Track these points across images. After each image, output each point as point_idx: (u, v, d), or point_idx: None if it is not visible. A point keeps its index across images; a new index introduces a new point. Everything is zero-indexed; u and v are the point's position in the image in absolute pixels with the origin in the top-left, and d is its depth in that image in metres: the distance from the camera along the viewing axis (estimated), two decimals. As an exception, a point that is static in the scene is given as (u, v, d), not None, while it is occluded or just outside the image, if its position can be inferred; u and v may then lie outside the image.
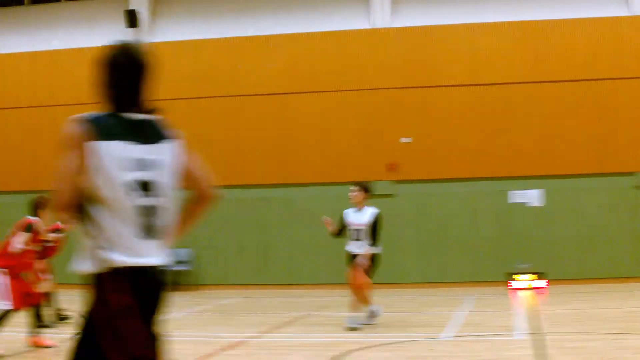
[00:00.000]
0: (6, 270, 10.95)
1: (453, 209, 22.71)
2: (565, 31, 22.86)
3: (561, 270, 21.85)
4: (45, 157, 24.58)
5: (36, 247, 11.53)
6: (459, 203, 22.72)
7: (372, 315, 13.38)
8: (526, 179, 22.51)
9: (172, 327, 12.73)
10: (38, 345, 11.17)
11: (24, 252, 11.15)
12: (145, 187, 4.20)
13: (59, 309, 14.72)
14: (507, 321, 13.87)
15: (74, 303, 18.17)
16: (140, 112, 4.37)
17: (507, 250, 22.24)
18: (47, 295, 14.69)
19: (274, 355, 10.57)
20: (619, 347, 10.44)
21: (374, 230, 13.08)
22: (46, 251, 14.55)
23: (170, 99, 23.77)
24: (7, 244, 11.24)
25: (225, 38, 24.12)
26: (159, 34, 24.72)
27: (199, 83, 24.00)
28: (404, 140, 22.99)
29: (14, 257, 11.08)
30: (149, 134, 4.44)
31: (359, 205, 13.17)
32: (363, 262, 13.04)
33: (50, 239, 12.53)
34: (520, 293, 20.07)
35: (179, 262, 23.13)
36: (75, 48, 24.99)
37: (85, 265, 4.05)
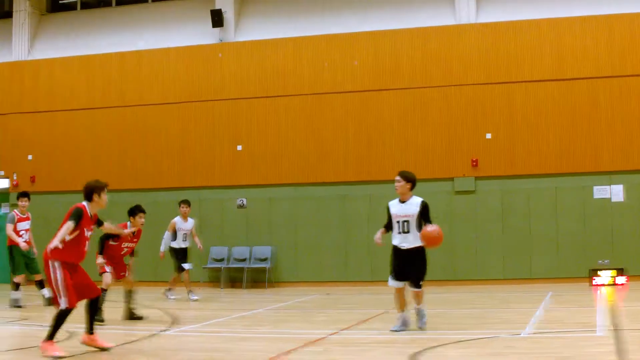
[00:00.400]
0: (55, 264, 10.35)
1: (536, 205, 22.47)
2: (651, 24, 22.47)
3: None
4: (133, 156, 25.03)
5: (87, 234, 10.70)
6: (542, 199, 22.46)
7: (421, 315, 12.65)
8: (610, 174, 22.15)
9: (252, 324, 12.90)
10: (92, 345, 10.75)
11: (73, 239, 10.48)
12: None
13: (132, 308, 14.83)
14: (588, 318, 13.68)
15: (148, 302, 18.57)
16: None
17: (590, 246, 21.93)
18: (129, 293, 14.94)
19: (353, 353, 10.59)
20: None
21: (421, 221, 12.40)
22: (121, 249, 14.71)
23: (255, 97, 24.08)
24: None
25: (310, 36, 24.22)
26: (244, 33, 24.91)
27: (284, 81, 24.13)
28: (488, 136, 22.84)
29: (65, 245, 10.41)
30: None
31: (403, 197, 12.62)
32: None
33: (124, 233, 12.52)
34: (601, 289, 19.80)
35: (260, 260, 23.33)
36: (162, 48, 25.40)
37: None
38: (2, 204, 26.34)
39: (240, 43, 24.73)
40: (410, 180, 12.60)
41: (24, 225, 18.01)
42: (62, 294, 10.31)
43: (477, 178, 22.77)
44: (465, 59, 23.20)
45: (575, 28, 22.75)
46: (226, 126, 24.41)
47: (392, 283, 12.65)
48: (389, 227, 12.74)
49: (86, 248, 10.69)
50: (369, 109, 23.49)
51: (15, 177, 25.98)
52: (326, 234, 23.23)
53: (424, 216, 12.39)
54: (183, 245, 19.43)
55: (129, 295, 14.84)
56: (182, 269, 19.22)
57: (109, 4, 27.12)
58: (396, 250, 12.60)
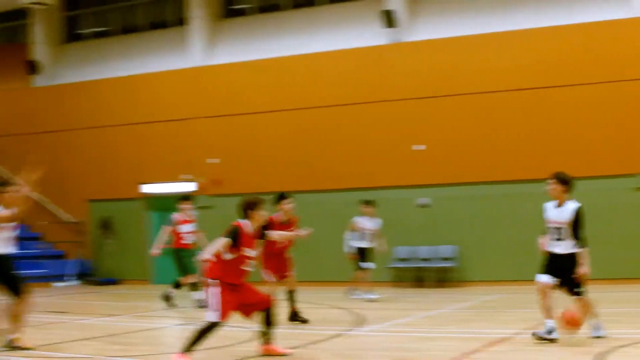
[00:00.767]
0: (217, 281, 10.17)
1: None
2: None
3: None
4: (312, 158, 25.42)
5: (247, 252, 10.42)
6: None
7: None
8: None
9: (438, 323, 13.00)
10: (271, 354, 10.66)
11: (234, 259, 10.29)
12: None
13: (296, 309, 14.80)
14: None
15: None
16: None
17: None
18: (291, 293, 14.89)
19: (539, 352, 10.55)
20: None
21: (575, 229, 11.28)
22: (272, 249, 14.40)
23: (430, 97, 24.10)
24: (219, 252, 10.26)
25: (480, 34, 23.97)
26: (416, 33, 24.95)
27: (455, 80, 24.00)
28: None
29: (224, 265, 10.24)
30: None
31: (558, 200, 11.44)
32: (583, 270, 11.31)
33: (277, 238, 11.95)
34: None
35: (445, 259, 23.36)
36: (335, 50, 25.71)
37: None
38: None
39: (412, 43, 24.77)
40: (565, 182, 11.44)
41: (187, 228, 18.42)
42: (214, 307, 10.07)
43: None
44: (631, 54, 22.42)
45: None
46: (401, 126, 24.51)
47: (540, 277, 11.56)
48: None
49: (248, 267, 10.43)
50: (537, 106, 23.01)
51: (200, 181, 26.82)
52: (511, 232, 22.97)
53: (577, 224, 11.31)
54: (365, 245, 19.46)
55: (291, 295, 14.80)
56: (362, 268, 19.30)
57: (282, 9, 27.65)
58: (551, 255, 11.65)
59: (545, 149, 22.87)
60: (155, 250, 18.35)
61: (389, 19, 24.66)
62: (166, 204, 25.57)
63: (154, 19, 29.78)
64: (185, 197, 18.94)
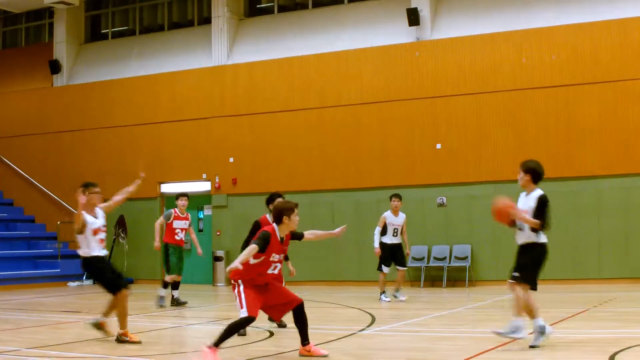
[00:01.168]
0: (239, 282, 10.18)
1: None
2: None
3: None
4: (333, 157, 25.43)
5: (274, 257, 10.37)
6: None
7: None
8: None
9: (451, 323, 12.97)
10: (311, 355, 10.58)
11: (260, 263, 10.26)
12: None
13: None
14: None
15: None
16: None
17: None
18: None
19: (553, 351, 10.48)
20: None
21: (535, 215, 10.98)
22: None
23: (454, 95, 24.05)
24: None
25: (507, 32, 23.90)
26: (441, 30, 24.90)
27: (482, 78, 23.95)
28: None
29: (250, 269, 10.19)
30: None
31: (526, 190, 11.30)
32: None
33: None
34: None
35: (460, 258, 23.31)
36: (359, 48, 25.70)
37: None
38: (205, 207, 27.38)
39: (437, 41, 24.71)
40: (529, 171, 11.22)
41: (180, 224, 18.58)
42: (242, 304, 10.07)
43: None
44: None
45: None
46: (425, 124, 24.47)
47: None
48: None
49: (274, 271, 10.41)
50: (569, 103, 22.95)
51: (217, 180, 26.93)
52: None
53: (536, 211, 11.01)
54: (394, 241, 19.00)
55: None
56: (381, 269, 19.02)
57: (305, 7, 27.69)
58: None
59: (565, 146, 22.82)
60: (157, 244, 18.44)
61: (414, 16, 24.62)
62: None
63: (176, 18, 29.89)
64: (182, 194, 19.02)
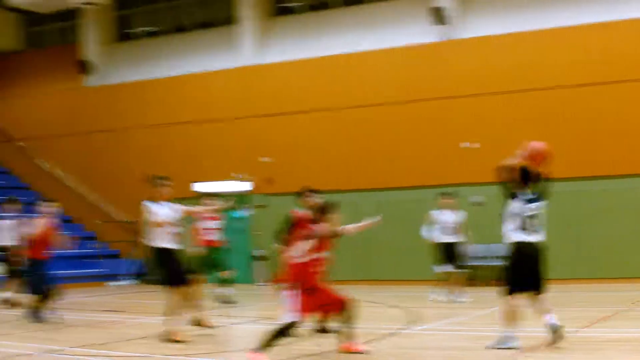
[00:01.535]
0: (292, 285, 10.28)
1: None
2: None
3: None
4: (362, 156, 25.48)
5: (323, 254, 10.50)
6: None
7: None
8: None
9: (491, 322, 12.98)
10: (349, 351, 10.70)
11: (310, 262, 10.35)
12: None
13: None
14: None
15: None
16: None
17: None
18: None
19: (588, 351, 10.54)
20: None
21: None
22: None
23: (480, 94, 24.02)
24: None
25: (533, 30, 23.86)
26: (465, 30, 24.89)
27: (507, 77, 23.91)
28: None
29: (301, 268, 10.34)
30: None
31: None
32: None
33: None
34: None
35: (499, 257, 23.22)
36: (384, 48, 25.73)
37: None
38: (242, 207, 27.47)
39: (462, 40, 24.71)
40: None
41: (211, 225, 18.59)
42: (292, 307, 10.15)
43: None
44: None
45: None
46: (453, 123, 24.46)
47: None
48: None
49: (323, 268, 10.48)
50: (589, 103, 22.81)
51: (251, 180, 27.00)
52: (565, 230, 22.79)
53: None
54: (444, 240, 18.62)
55: None
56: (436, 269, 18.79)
57: (333, 7, 27.73)
58: None
59: (592, 145, 22.77)
60: (192, 249, 18.24)
61: (439, 16, 24.66)
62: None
63: (204, 18, 30.07)
64: (210, 194, 18.87)
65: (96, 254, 27.21)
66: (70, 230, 28.27)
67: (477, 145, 23.84)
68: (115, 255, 28.08)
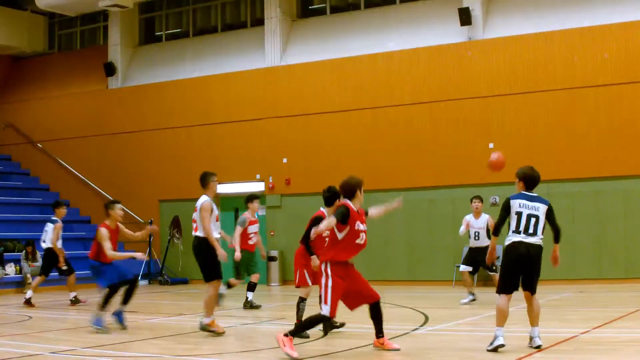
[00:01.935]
0: (327, 265, 10.53)
1: None
2: None
3: None
4: (386, 157, 25.43)
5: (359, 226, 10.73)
6: None
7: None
8: None
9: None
10: (385, 348, 10.92)
11: (347, 236, 10.62)
12: None
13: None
14: None
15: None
16: None
17: None
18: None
19: (603, 352, 10.46)
20: None
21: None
22: None
23: (506, 94, 23.93)
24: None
25: (560, 30, 23.73)
26: (492, 30, 24.80)
27: (534, 77, 23.81)
28: None
29: (338, 242, 10.61)
30: None
31: None
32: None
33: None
34: None
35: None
36: (411, 48, 25.68)
37: None
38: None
39: (489, 40, 24.62)
40: (518, 178, 11.35)
41: (254, 229, 18.13)
42: (327, 300, 10.39)
43: None
44: None
45: None
46: (477, 124, 24.40)
47: None
48: None
49: (361, 241, 10.72)
50: (621, 102, 22.78)
51: (271, 180, 27.07)
52: (580, 230, 22.72)
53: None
54: (476, 245, 18.18)
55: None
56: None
57: (357, 7, 27.75)
58: None
59: (617, 145, 22.63)
60: (238, 254, 17.57)
61: (466, 16, 24.56)
62: (239, 204, 25.87)
63: (229, 20, 30.17)
64: (254, 196, 18.57)
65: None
66: (88, 231, 28.51)
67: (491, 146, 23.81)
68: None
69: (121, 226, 14.94)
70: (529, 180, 11.24)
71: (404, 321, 14.74)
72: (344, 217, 10.51)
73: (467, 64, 24.70)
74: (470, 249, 18.45)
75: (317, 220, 12.21)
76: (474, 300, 18.09)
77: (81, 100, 31.84)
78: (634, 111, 22.53)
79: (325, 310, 10.38)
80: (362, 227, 10.71)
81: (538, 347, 10.58)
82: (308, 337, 12.13)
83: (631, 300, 17.61)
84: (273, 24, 27.89)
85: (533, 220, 10.83)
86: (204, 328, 12.96)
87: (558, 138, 23.35)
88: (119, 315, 14.17)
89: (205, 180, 13.47)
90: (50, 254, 19.82)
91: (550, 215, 10.95)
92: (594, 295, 19.52)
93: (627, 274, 21.99)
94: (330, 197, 12.47)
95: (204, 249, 13.22)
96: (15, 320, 16.38)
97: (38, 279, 20.12)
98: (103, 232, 14.36)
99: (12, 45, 33.04)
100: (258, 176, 27.31)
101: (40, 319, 16.74)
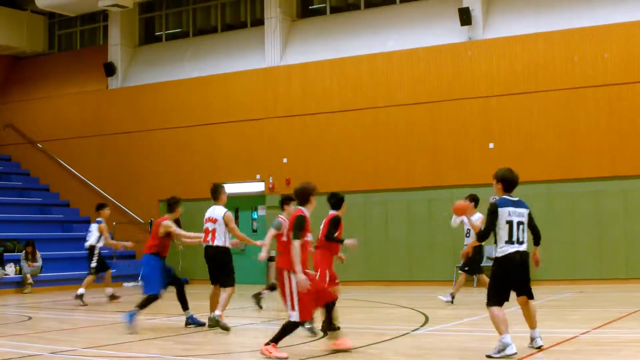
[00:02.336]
0: (290, 275, 10.63)
1: None
2: None
3: None
4: (385, 157, 25.43)
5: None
6: None
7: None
8: None
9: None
10: (339, 349, 10.83)
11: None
12: None
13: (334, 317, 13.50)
14: None
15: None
16: None
17: None
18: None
19: (604, 352, 10.47)
20: None
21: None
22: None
23: (506, 95, 23.93)
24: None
25: (559, 30, 23.74)
26: (492, 30, 24.79)
27: (534, 77, 23.82)
28: None
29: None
30: None
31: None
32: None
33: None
34: None
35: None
36: (411, 49, 25.66)
37: None
38: (259, 207, 27.49)
39: (489, 40, 24.62)
40: (497, 179, 11.25)
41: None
42: (295, 306, 10.47)
43: None
44: None
45: None
46: (477, 124, 24.40)
47: None
48: None
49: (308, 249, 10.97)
50: (622, 102, 22.78)
51: (271, 180, 27.06)
52: (580, 230, 22.74)
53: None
54: (467, 243, 18.13)
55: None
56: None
57: (357, 8, 27.73)
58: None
59: (618, 145, 22.63)
60: (264, 254, 17.52)
61: (466, 16, 24.55)
62: (239, 204, 25.87)
63: (229, 20, 30.16)
64: (290, 198, 17.93)
65: (111, 254, 27.21)
66: (87, 231, 28.45)
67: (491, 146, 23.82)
68: (131, 256, 28.09)
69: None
70: (508, 182, 11.11)
71: (404, 321, 14.74)
72: (302, 228, 10.66)
73: (467, 64, 24.69)
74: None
75: (335, 221, 12.89)
76: (451, 302, 17.98)
77: (81, 100, 31.83)
78: (634, 111, 22.53)
79: (295, 317, 10.44)
80: (309, 237, 10.92)
81: (539, 347, 10.55)
82: (316, 334, 12.19)
83: (631, 300, 17.61)
84: (273, 24, 27.87)
85: (522, 227, 10.79)
86: (214, 320, 13.44)
87: (558, 138, 23.35)
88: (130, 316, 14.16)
89: (217, 192, 14.34)
90: (92, 251, 20.26)
91: (530, 219, 10.95)
92: (594, 295, 19.53)
93: (627, 274, 22.00)
94: (336, 202, 13.19)
95: (225, 258, 14.02)
96: (15, 321, 16.37)
97: (90, 277, 20.51)
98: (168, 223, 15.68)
99: (12, 45, 33.03)
100: (258, 176, 27.29)
101: (40, 319, 16.74)
